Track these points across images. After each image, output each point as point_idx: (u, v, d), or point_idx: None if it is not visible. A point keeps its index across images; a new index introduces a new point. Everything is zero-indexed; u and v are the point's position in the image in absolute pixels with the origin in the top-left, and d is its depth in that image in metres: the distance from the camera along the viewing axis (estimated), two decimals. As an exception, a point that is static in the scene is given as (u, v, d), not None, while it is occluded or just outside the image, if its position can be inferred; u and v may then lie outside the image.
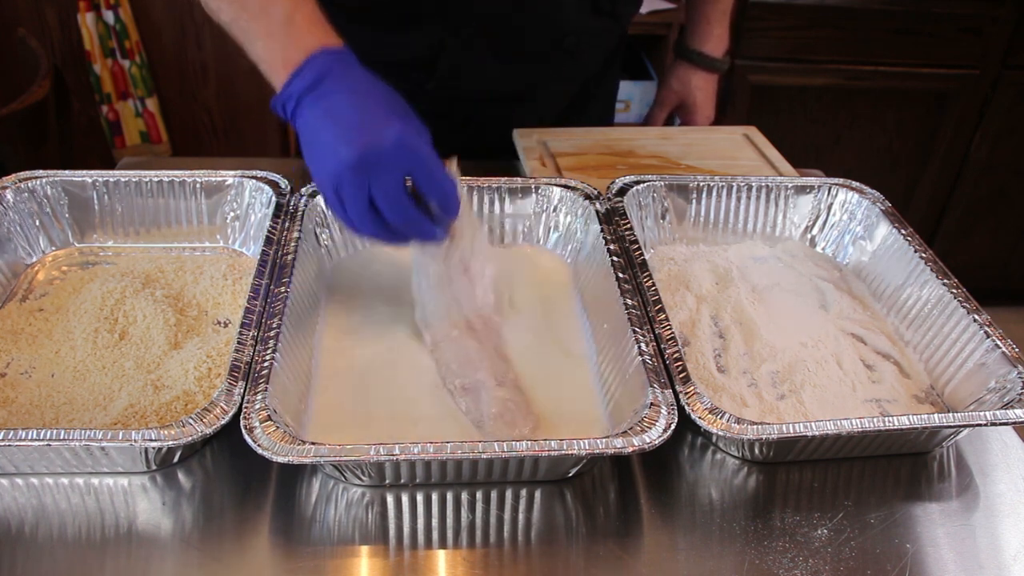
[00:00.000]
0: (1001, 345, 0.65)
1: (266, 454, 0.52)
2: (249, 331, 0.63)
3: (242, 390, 0.58)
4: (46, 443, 0.54)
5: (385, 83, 0.65)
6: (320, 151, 0.61)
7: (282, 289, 0.67)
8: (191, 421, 0.55)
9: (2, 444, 0.53)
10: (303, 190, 0.79)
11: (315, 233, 0.78)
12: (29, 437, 0.54)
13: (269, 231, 0.74)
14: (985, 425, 0.59)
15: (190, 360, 0.66)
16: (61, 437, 0.54)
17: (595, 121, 1.13)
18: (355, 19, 0.94)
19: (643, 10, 2.16)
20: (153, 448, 0.56)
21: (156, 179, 0.81)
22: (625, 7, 1.04)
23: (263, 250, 0.72)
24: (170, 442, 0.54)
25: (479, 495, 0.59)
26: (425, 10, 0.92)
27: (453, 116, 1.02)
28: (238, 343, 0.62)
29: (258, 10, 0.65)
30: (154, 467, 0.59)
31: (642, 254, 0.74)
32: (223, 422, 0.56)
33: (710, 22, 1.14)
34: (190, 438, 0.55)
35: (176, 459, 0.60)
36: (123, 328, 0.70)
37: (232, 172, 0.82)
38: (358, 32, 0.95)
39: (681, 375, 0.61)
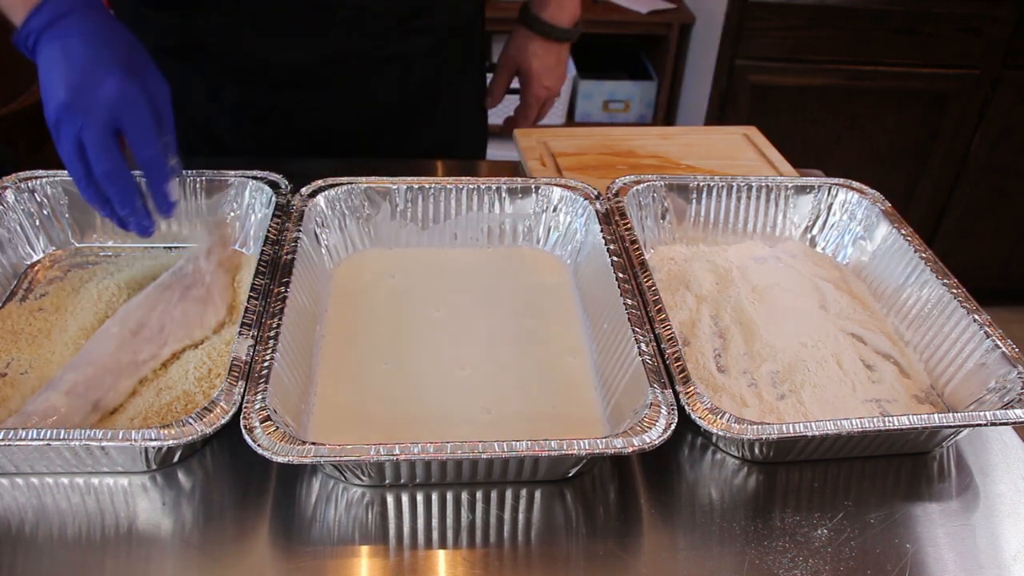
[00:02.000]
0: (1001, 345, 0.65)
1: (266, 454, 0.52)
2: (249, 331, 0.63)
3: (242, 390, 0.58)
4: (46, 443, 0.54)
5: (129, 32, 0.67)
6: (47, 89, 0.63)
7: (282, 289, 0.67)
8: (191, 420, 0.55)
9: (3, 444, 0.54)
10: (303, 190, 0.79)
11: (315, 233, 0.78)
12: (29, 436, 0.54)
13: (269, 231, 0.74)
14: (985, 425, 0.59)
15: (190, 361, 0.66)
16: (61, 437, 0.54)
17: (452, 133, 1.10)
18: (126, 2, 0.93)
19: (643, 10, 2.17)
20: (153, 448, 0.56)
21: None
22: None
23: (263, 250, 0.72)
24: (170, 442, 0.54)
25: (479, 495, 0.59)
26: None
27: (256, 104, 0.99)
28: (238, 340, 0.62)
29: None
30: (154, 466, 0.59)
31: (642, 254, 0.74)
32: (223, 422, 0.56)
33: None
34: (190, 438, 0.55)
35: (176, 459, 0.60)
36: (123, 328, 0.70)
37: (232, 172, 0.82)
38: (139, 16, 0.93)
39: (681, 375, 0.61)
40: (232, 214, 0.82)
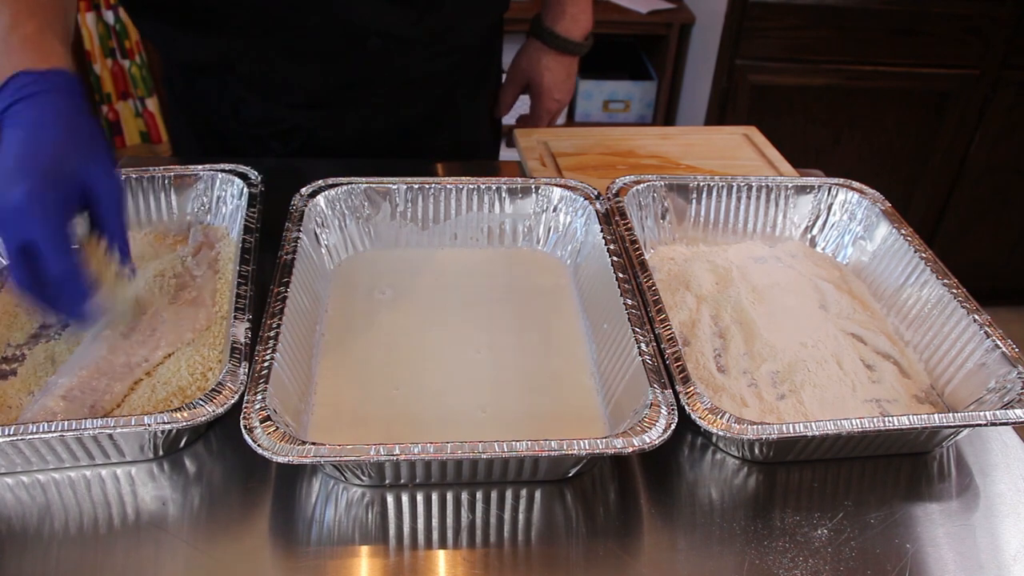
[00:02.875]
0: (1001, 345, 0.65)
1: (266, 454, 0.52)
2: (244, 315, 0.64)
3: (246, 370, 0.59)
4: (59, 435, 0.54)
5: (87, 119, 0.61)
6: None
7: (282, 289, 0.67)
8: (201, 403, 0.56)
9: (16, 438, 0.54)
10: (303, 190, 0.79)
11: (315, 233, 0.78)
12: (41, 430, 0.54)
13: (248, 220, 0.74)
14: (985, 425, 0.59)
15: (181, 356, 0.66)
16: (74, 428, 0.54)
17: (468, 134, 1.10)
18: (152, 18, 0.92)
19: (643, 10, 2.18)
20: (163, 431, 0.56)
21: (124, 177, 0.80)
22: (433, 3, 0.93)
23: (244, 239, 0.72)
24: (183, 423, 0.55)
25: (479, 495, 0.59)
26: (203, 9, 0.88)
27: (280, 121, 1.00)
28: (233, 327, 0.63)
29: None
30: (161, 453, 0.60)
31: (642, 254, 0.74)
32: (232, 401, 0.57)
33: (561, 0, 1.08)
34: (203, 418, 0.55)
35: (183, 443, 0.60)
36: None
37: (200, 167, 0.82)
38: (164, 33, 0.94)
39: (681, 375, 0.61)
40: (202, 207, 0.82)
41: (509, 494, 0.59)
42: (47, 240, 0.57)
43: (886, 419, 0.57)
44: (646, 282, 0.70)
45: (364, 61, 0.94)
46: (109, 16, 2.11)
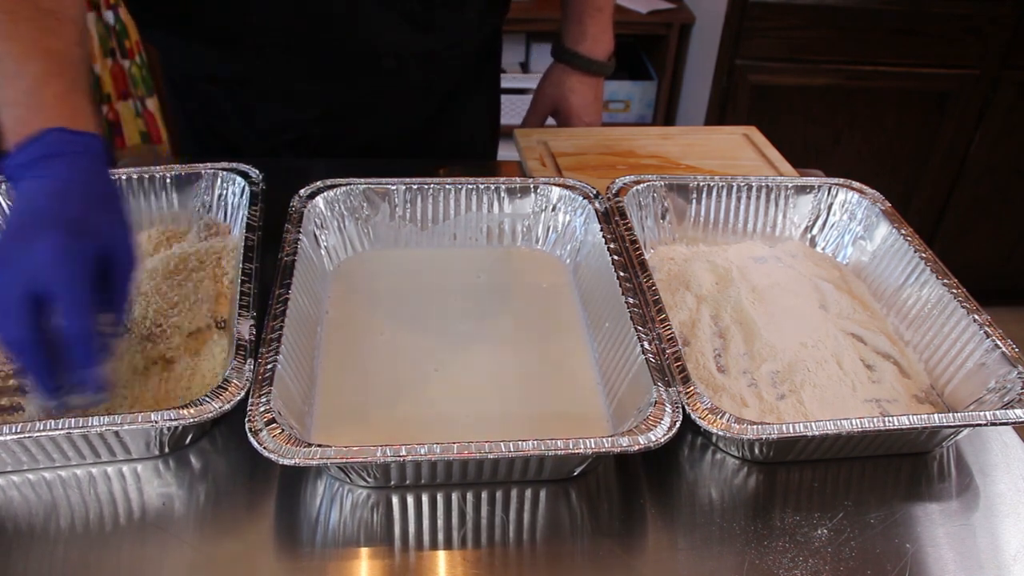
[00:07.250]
0: (1001, 345, 0.65)
1: (272, 456, 0.52)
2: (248, 312, 0.64)
3: (251, 367, 0.59)
4: (66, 432, 0.54)
5: (110, 185, 0.61)
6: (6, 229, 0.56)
7: (283, 291, 0.67)
8: (208, 399, 0.56)
9: (22, 436, 0.54)
10: (302, 192, 0.79)
11: (315, 235, 0.78)
12: (48, 428, 0.54)
13: (250, 218, 0.75)
14: (985, 425, 0.59)
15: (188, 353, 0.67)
16: (80, 425, 0.54)
17: (467, 134, 1.11)
18: (163, 31, 0.92)
19: (643, 10, 2.18)
20: (169, 428, 0.57)
21: (125, 177, 0.81)
22: (447, 19, 0.94)
23: (246, 236, 0.72)
24: (188, 420, 0.55)
25: (484, 495, 0.59)
26: (220, 27, 0.88)
27: (290, 129, 1.01)
28: (237, 324, 0.63)
29: (9, 75, 0.61)
30: (167, 450, 0.60)
31: (642, 254, 0.74)
32: (239, 397, 0.57)
33: (582, 21, 1.07)
34: (209, 415, 0.55)
35: (188, 440, 0.61)
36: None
37: (202, 164, 0.82)
38: (175, 46, 0.93)
39: (681, 375, 0.61)
40: (203, 205, 0.82)
41: (514, 494, 0.59)
42: (70, 294, 0.53)
43: (886, 419, 0.58)
44: (646, 282, 0.70)
45: (380, 77, 0.95)
46: (109, 16, 2.10)
